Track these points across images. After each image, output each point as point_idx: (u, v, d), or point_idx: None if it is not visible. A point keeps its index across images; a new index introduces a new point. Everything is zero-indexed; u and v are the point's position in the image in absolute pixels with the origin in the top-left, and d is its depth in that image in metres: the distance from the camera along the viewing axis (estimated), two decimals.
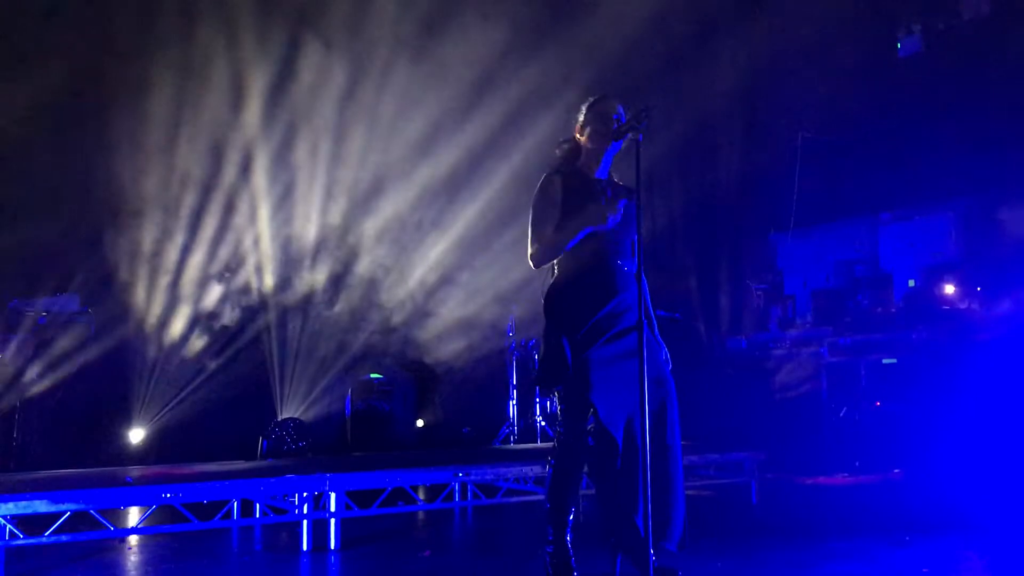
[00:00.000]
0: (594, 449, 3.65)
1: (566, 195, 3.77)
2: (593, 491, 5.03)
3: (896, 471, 7.72)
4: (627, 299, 3.69)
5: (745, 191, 11.28)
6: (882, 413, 8.19)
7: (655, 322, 3.83)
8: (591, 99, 3.93)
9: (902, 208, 10.34)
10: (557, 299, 3.75)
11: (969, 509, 5.80)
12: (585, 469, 3.84)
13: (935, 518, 5.54)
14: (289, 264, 9.27)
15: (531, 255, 3.77)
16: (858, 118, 10.60)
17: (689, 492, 6.53)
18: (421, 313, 9.89)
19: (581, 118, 3.91)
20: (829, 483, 7.50)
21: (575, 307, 3.66)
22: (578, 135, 3.93)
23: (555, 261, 3.79)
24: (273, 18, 8.62)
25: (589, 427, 3.68)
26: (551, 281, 3.81)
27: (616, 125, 3.77)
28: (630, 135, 3.62)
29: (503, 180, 9.32)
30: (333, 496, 4.86)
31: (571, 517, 3.74)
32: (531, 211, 3.81)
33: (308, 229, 9.29)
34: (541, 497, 5.34)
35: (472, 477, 5.32)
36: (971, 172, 9.25)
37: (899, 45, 10.73)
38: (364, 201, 9.42)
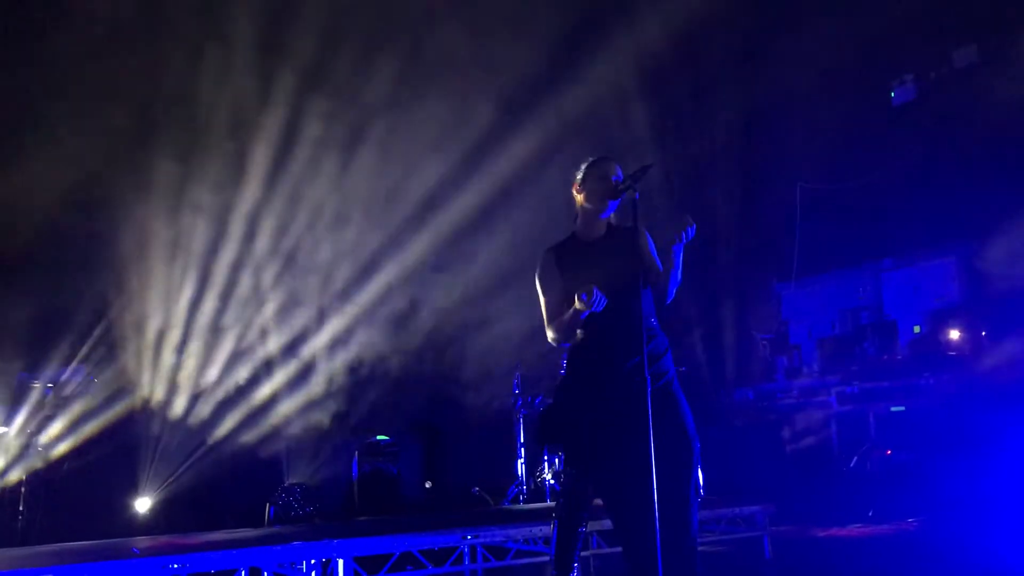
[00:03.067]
0: (612, 511, 3.68)
1: (562, 267, 3.83)
2: (605, 550, 5.00)
3: (911, 520, 7.63)
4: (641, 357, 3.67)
5: (747, 242, 11.33)
6: (893, 462, 8.13)
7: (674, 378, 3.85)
8: (589, 159, 3.98)
9: (904, 254, 10.38)
10: (571, 358, 3.85)
11: (987, 557, 5.72)
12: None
13: (951, 568, 5.46)
14: (294, 328, 9.29)
15: (550, 339, 3.84)
16: (856, 166, 10.68)
17: (701, 548, 6.47)
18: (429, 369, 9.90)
19: (579, 177, 3.96)
20: (843, 535, 7.40)
21: (582, 384, 3.76)
22: (576, 193, 3.97)
23: None
24: (275, 83, 8.76)
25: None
26: (567, 356, 3.93)
27: (613, 184, 3.82)
28: (627, 194, 3.67)
29: (505, 240, 9.37)
30: (341, 563, 4.83)
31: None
32: (537, 290, 3.91)
33: (312, 295, 9.34)
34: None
35: (481, 539, 5.27)
36: (971, 216, 9.30)
37: (892, 94, 10.86)
38: (369, 264, 9.47)
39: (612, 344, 3.70)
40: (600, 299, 3.52)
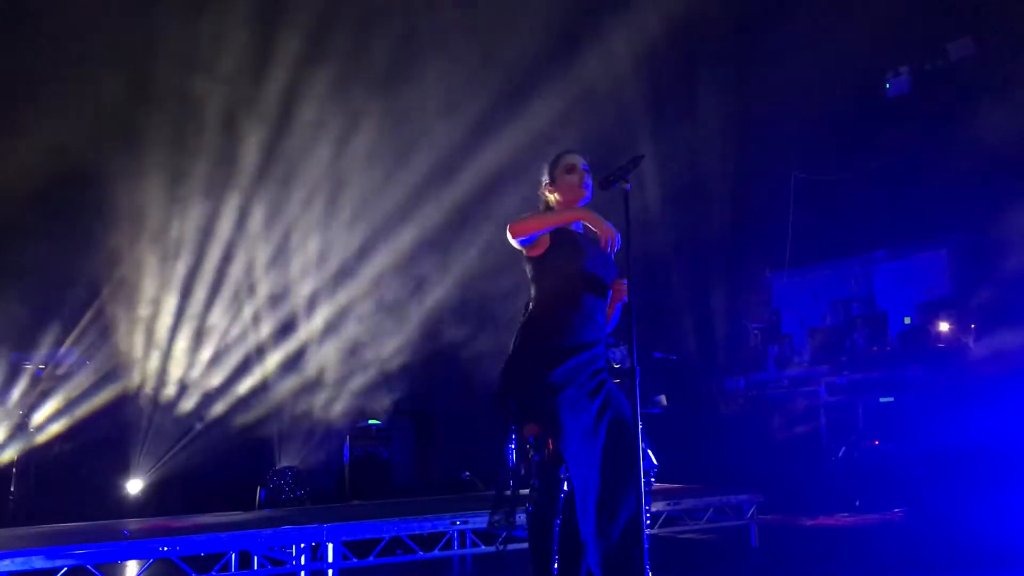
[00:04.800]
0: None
1: (554, 233, 3.73)
2: None
3: (897, 511, 7.69)
4: (599, 344, 3.71)
5: (739, 231, 11.34)
6: (881, 452, 8.19)
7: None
8: (554, 156, 3.94)
9: (896, 246, 10.41)
10: (534, 334, 3.70)
11: (972, 548, 5.77)
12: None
13: (937, 558, 5.52)
14: (285, 314, 9.30)
15: (511, 224, 3.68)
16: (849, 158, 10.70)
17: (688, 535, 6.53)
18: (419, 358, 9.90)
19: (546, 177, 3.93)
20: (830, 524, 7.46)
21: (552, 345, 3.62)
22: (547, 194, 3.92)
23: (533, 294, 3.76)
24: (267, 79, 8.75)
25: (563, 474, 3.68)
26: (529, 313, 3.75)
27: (584, 175, 3.81)
28: (618, 184, 3.65)
29: (501, 224, 9.38)
30: (331, 547, 4.86)
31: (556, 564, 3.68)
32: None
33: (304, 281, 9.34)
34: None
35: (470, 525, 5.31)
36: (963, 209, 9.33)
37: (887, 85, 10.87)
38: (360, 251, 9.47)
39: (586, 327, 3.68)
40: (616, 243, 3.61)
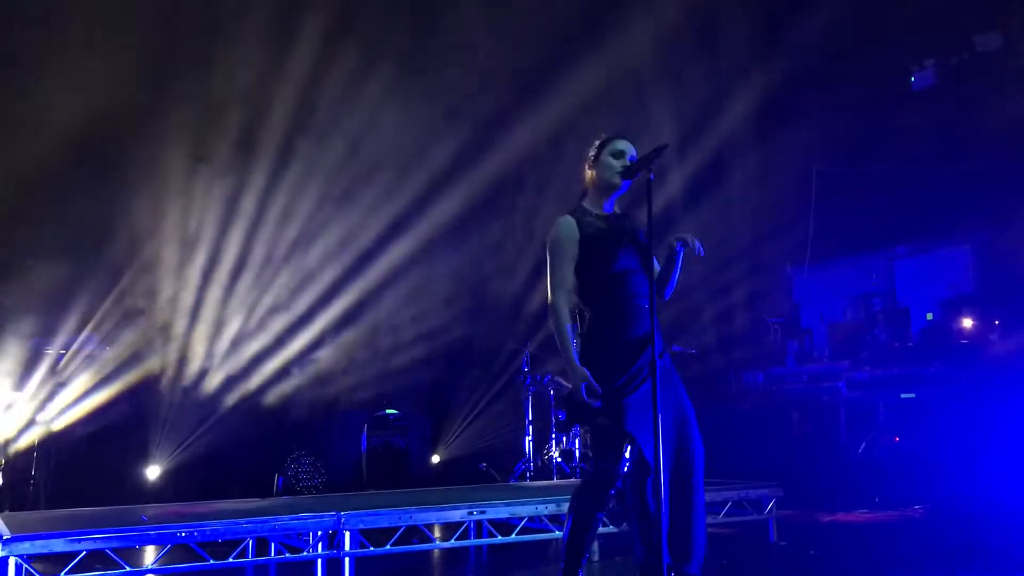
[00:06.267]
0: (632, 483, 3.71)
1: (583, 241, 3.77)
2: (611, 529, 4.99)
3: (917, 508, 7.63)
4: (655, 341, 3.70)
5: (760, 224, 11.27)
6: (901, 449, 8.11)
7: (669, 360, 3.85)
8: (602, 137, 3.95)
9: (918, 241, 10.31)
10: (595, 344, 3.76)
11: (992, 545, 5.71)
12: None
13: (957, 556, 5.46)
14: (306, 299, 9.32)
15: (550, 303, 3.76)
16: (873, 152, 10.61)
17: (707, 529, 6.49)
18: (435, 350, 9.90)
19: (592, 153, 3.94)
20: (849, 520, 7.41)
21: (613, 353, 3.70)
22: (588, 170, 3.95)
23: (583, 303, 3.82)
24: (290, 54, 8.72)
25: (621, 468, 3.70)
26: (599, 320, 3.79)
27: (627, 164, 3.80)
28: (641, 174, 3.65)
29: (520, 217, 9.35)
30: (347, 535, 4.85)
31: (587, 553, 3.76)
32: (548, 252, 3.82)
33: (324, 271, 9.34)
34: (556, 535, 5.33)
35: (487, 515, 5.29)
36: (987, 205, 9.23)
37: (912, 79, 10.75)
38: (382, 239, 9.47)
39: (628, 320, 3.73)
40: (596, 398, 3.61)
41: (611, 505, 3.82)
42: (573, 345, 3.70)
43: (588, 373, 3.60)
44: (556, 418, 8.46)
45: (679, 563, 3.58)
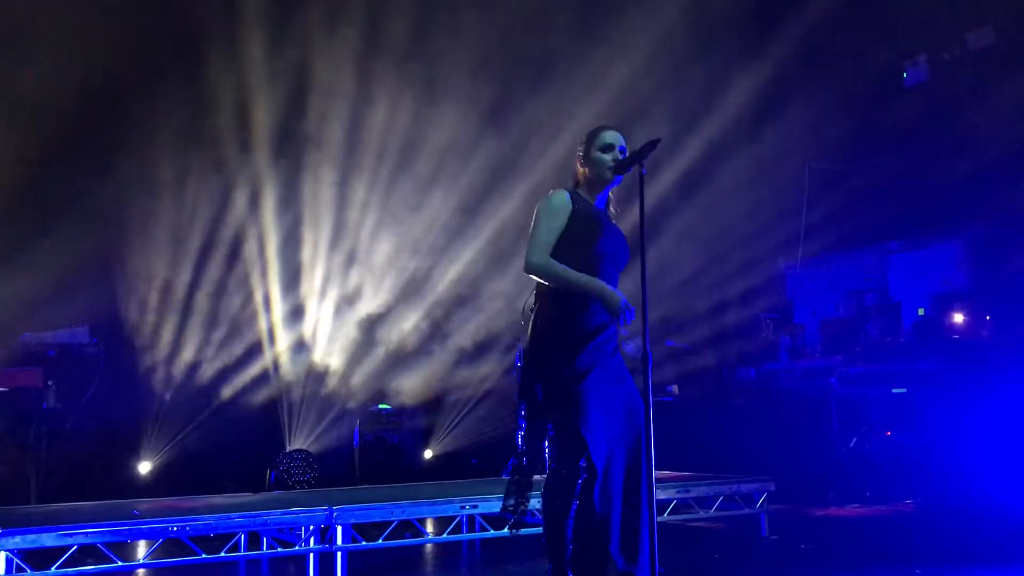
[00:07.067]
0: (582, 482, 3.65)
1: (573, 216, 3.74)
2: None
3: (908, 502, 7.66)
4: (612, 329, 3.72)
5: (754, 220, 11.28)
6: (892, 443, 8.14)
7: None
8: (593, 128, 3.93)
9: (911, 237, 10.33)
10: (552, 321, 3.70)
11: (983, 540, 5.74)
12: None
13: (948, 550, 5.48)
14: (297, 296, 9.29)
15: (527, 261, 3.70)
16: (866, 147, 10.63)
17: (698, 524, 6.52)
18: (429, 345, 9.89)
19: (582, 148, 3.92)
20: (840, 514, 7.44)
21: (573, 332, 3.64)
22: (579, 165, 3.92)
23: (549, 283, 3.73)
24: (283, 48, 8.69)
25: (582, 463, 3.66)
26: (549, 307, 3.73)
27: (619, 156, 3.78)
28: (634, 168, 3.63)
29: (515, 211, 9.32)
30: (339, 529, 4.85)
31: (570, 548, 3.68)
32: (535, 217, 3.76)
33: (316, 264, 9.31)
34: None
35: (479, 510, 5.29)
36: (980, 201, 9.25)
37: (905, 75, 10.77)
38: (370, 237, 9.45)
39: (592, 303, 3.68)
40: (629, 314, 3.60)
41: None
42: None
43: (616, 292, 3.62)
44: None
45: (628, 566, 3.53)
